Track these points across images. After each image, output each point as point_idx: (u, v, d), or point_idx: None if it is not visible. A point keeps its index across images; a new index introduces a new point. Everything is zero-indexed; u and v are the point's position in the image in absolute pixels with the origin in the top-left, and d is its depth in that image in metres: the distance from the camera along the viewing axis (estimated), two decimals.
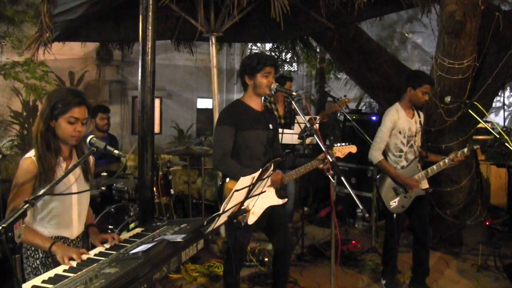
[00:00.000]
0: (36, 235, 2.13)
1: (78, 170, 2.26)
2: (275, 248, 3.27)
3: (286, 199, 3.14)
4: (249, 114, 3.02)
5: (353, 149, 3.18)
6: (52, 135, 2.15)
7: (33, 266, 2.16)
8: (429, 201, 3.90)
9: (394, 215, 3.67)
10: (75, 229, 2.28)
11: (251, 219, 2.93)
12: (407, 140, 3.69)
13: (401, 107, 3.70)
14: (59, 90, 2.25)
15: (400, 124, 3.65)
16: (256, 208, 2.93)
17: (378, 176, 3.77)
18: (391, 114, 3.67)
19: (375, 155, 3.66)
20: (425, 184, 3.76)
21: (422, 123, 3.82)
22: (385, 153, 3.73)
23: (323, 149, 2.65)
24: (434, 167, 3.67)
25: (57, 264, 2.01)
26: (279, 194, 3.07)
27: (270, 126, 3.10)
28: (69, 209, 2.23)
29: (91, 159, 2.41)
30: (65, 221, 2.23)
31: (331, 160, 2.59)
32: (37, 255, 2.16)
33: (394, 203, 3.65)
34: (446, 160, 3.65)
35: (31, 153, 2.14)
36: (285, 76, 5.51)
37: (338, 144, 3.16)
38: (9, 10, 8.37)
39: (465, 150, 3.64)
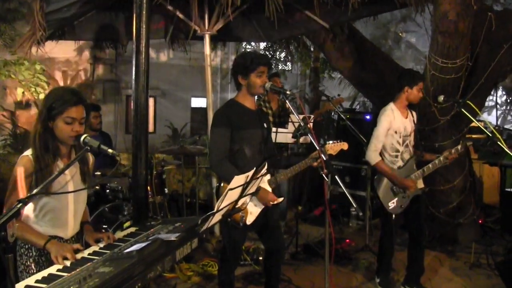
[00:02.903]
0: (32, 231, 2.13)
1: (74, 170, 2.25)
2: (267, 248, 3.26)
3: (282, 198, 3.14)
4: (244, 114, 3.00)
5: (344, 146, 3.18)
6: (50, 136, 2.14)
7: (26, 264, 2.15)
8: (424, 200, 3.92)
9: (393, 215, 3.66)
10: (70, 229, 2.28)
11: (250, 219, 2.93)
12: (403, 139, 3.69)
13: (396, 107, 3.70)
14: (56, 90, 2.24)
15: (396, 124, 3.65)
16: (254, 208, 2.94)
17: (375, 177, 3.76)
18: (387, 114, 3.66)
19: (373, 156, 3.64)
20: (420, 184, 3.76)
21: (416, 122, 3.84)
22: (381, 154, 3.71)
23: (317, 148, 2.66)
24: (430, 165, 3.67)
25: (50, 263, 2.00)
26: (275, 193, 3.06)
27: (264, 125, 3.10)
28: (64, 208, 2.23)
29: (91, 158, 2.39)
30: (60, 221, 2.22)
31: (325, 159, 2.59)
32: (31, 253, 2.15)
33: (392, 203, 3.64)
34: (441, 158, 3.65)
35: (29, 151, 2.14)
36: (272, 73, 5.50)
37: (330, 142, 3.17)
38: (1, 8, 8.31)
39: (459, 147, 3.65)
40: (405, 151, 3.73)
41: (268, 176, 3.02)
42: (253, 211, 2.94)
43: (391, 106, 3.71)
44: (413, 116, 3.81)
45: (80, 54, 12.01)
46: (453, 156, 3.65)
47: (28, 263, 2.15)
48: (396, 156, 3.70)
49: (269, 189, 3.03)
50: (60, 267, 1.91)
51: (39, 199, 2.14)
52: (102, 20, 5.13)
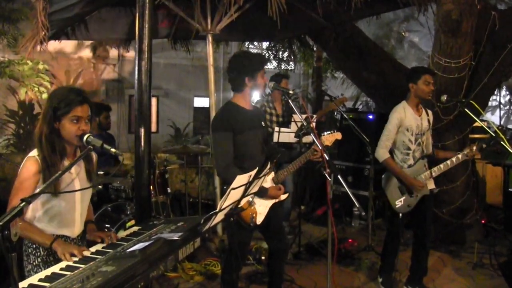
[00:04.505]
0: (37, 231, 2.13)
1: (79, 168, 2.26)
2: (270, 247, 3.27)
3: (287, 194, 3.14)
4: (244, 116, 2.97)
5: (338, 136, 3.22)
6: (56, 137, 2.14)
7: (34, 264, 2.15)
8: (431, 201, 3.82)
9: (400, 214, 3.63)
10: (77, 228, 2.29)
11: (259, 219, 2.94)
12: (415, 138, 3.65)
13: (408, 105, 3.67)
14: (60, 90, 2.24)
15: (407, 122, 3.62)
16: (262, 207, 2.95)
17: (383, 175, 3.72)
18: (398, 112, 3.64)
19: (381, 153, 3.62)
20: (431, 184, 3.71)
21: (431, 121, 3.78)
22: (392, 152, 3.69)
23: (320, 147, 2.66)
24: (441, 166, 3.61)
25: (58, 262, 2.01)
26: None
27: (262, 123, 3.09)
28: (72, 208, 2.23)
29: (94, 156, 2.40)
30: (67, 220, 2.23)
31: (327, 158, 2.59)
32: (39, 253, 2.15)
33: (399, 202, 3.61)
34: (454, 159, 3.58)
35: (35, 152, 2.13)
36: (281, 74, 5.52)
37: (325, 133, 3.20)
38: (5, 8, 8.34)
39: (474, 148, 3.55)
40: (417, 149, 3.68)
41: (272, 174, 3.02)
42: (261, 211, 2.95)
43: (403, 104, 3.69)
44: (428, 115, 3.77)
45: (83, 53, 12.03)
46: (467, 158, 3.58)
47: (36, 262, 2.15)
48: (408, 154, 3.67)
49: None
50: (63, 266, 1.92)
51: (47, 200, 2.13)
52: (105, 20, 5.14)
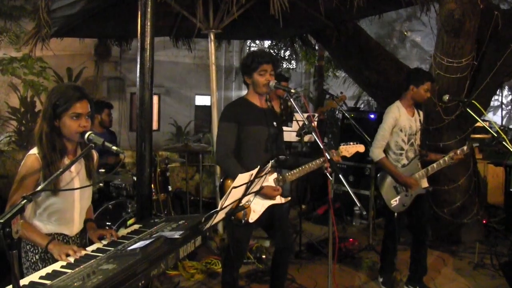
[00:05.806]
0: (34, 231, 2.12)
1: (80, 166, 2.25)
2: (275, 247, 3.26)
3: (289, 198, 3.13)
4: (252, 111, 3.02)
5: (360, 148, 3.10)
6: (56, 135, 2.13)
7: (32, 261, 2.15)
8: (427, 200, 3.88)
9: (395, 214, 3.66)
10: (75, 227, 2.28)
11: (252, 217, 2.92)
12: (408, 138, 3.68)
13: (402, 105, 3.69)
14: (58, 87, 2.22)
15: (401, 122, 3.64)
16: (258, 206, 2.92)
17: (378, 175, 3.75)
18: (393, 112, 3.66)
19: (376, 152, 3.65)
20: (425, 183, 3.75)
21: (422, 121, 3.82)
22: (386, 151, 3.71)
23: (321, 147, 2.65)
24: (434, 165, 3.66)
25: (56, 259, 2.00)
26: (282, 193, 3.05)
27: (274, 123, 3.09)
28: (71, 206, 2.23)
29: (95, 154, 2.39)
30: (66, 218, 2.22)
31: (329, 157, 2.58)
32: (37, 250, 2.15)
33: (395, 201, 3.64)
34: (446, 158, 3.64)
35: (35, 150, 2.12)
36: (281, 75, 5.50)
37: (345, 144, 3.11)
38: (7, 5, 8.34)
39: (465, 148, 3.63)
40: (410, 149, 3.72)
41: (274, 175, 3.01)
42: (256, 209, 2.93)
43: (397, 104, 3.71)
44: (419, 116, 3.80)
45: (84, 51, 12.02)
46: (458, 156, 3.64)
47: (34, 259, 2.15)
48: (401, 154, 3.70)
49: None
50: (64, 263, 1.92)
51: (46, 198, 2.13)
52: (107, 18, 5.13)
